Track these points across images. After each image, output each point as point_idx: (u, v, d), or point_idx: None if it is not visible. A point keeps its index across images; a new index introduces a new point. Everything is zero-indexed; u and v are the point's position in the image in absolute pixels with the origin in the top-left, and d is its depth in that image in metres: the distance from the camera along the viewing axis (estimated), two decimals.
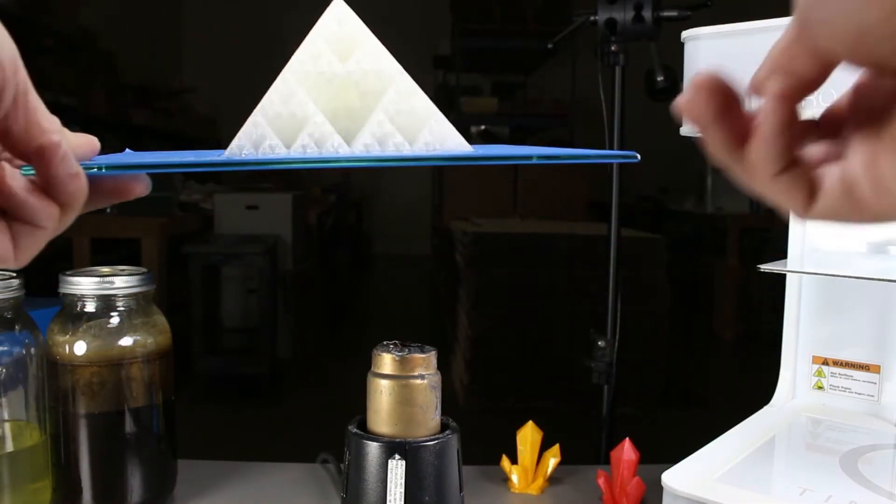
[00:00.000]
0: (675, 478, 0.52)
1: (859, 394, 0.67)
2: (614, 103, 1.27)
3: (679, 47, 0.58)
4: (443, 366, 0.50)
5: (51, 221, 0.28)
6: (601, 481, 0.62)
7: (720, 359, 3.61)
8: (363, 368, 0.50)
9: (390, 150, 0.32)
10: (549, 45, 1.41)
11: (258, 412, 2.64)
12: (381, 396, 0.48)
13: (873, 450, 0.59)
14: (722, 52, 0.56)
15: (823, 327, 0.70)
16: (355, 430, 0.49)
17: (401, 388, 0.48)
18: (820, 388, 0.70)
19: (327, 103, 0.33)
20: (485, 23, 4.24)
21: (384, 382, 0.48)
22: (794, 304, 0.71)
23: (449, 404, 0.50)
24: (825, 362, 0.69)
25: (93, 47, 4.04)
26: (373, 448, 0.47)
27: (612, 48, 1.24)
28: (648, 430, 2.28)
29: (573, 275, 2.56)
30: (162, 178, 2.99)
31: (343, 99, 0.33)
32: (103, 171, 0.29)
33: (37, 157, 0.27)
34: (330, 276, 4.10)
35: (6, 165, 0.27)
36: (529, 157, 0.32)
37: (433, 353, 0.49)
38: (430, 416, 0.48)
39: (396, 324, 4.00)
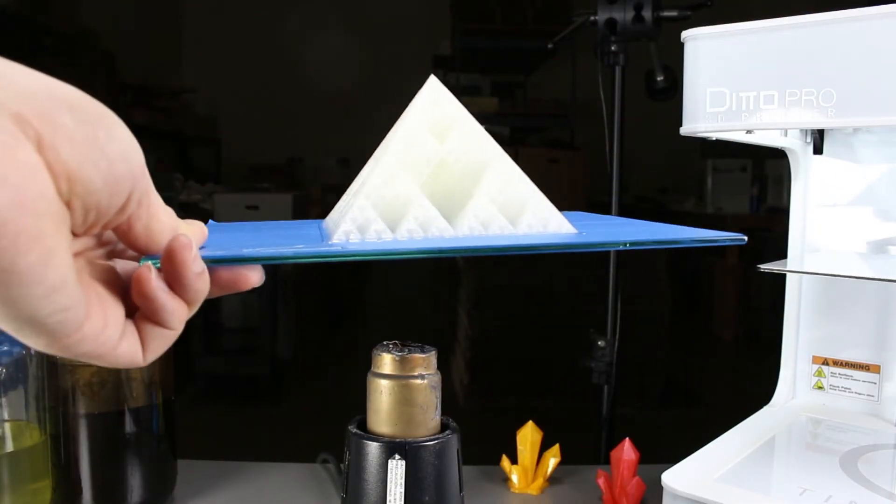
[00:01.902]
0: (675, 478, 0.52)
1: (859, 394, 0.67)
2: (614, 103, 1.27)
3: (679, 47, 0.58)
4: (443, 366, 0.50)
5: (181, 323, 0.28)
6: (601, 481, 0.62)
7: (720, 359, 3.61)
8: (363, 368, 0.50)
9: (494, 232, 0.32)
10: (549, 45, 1.41)
11: (258, 412, 2.64)
12: (381, 396, 0.48)
13: (873, 450, 0.59)
14: (722, 52, 0.56)
15: (823, 327, 0.70)
16: (355, 430, 0.49)
17: (401, 388, 0.48)
18: (820, 388, 0.70)
19: (426, 186, 0.33)
20: (485, 23, 4.24)
21: (384, 382, 0.48)
22: (794, 304, 0.71)
23: (449, 404, 0.50)
24: (825, 362, 0.69)
25: (93, 47, 4.04)
26: (373, 448, 0.47)
27: (612, 48, 1.24)
28: (648, 430, 2.27)
29: (573, 275, 2.56)
30: (162, 179, 2.99)
31: (442, 182, 0.33)
32: (225, 262, 0.29)
33: (168, 259, 0.27)
34: (330, 276, 4.10)
35: (151, 267, 0.27)
36: (624, 244, 0.31)
37: (433, 353, 0.49)
38: (430, 416, 0.48)
39: (396, 324, 4.00)
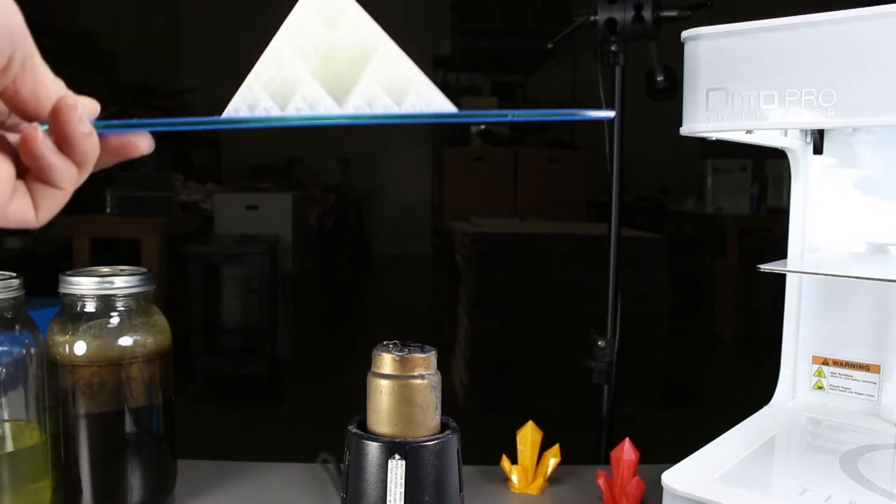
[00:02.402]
0: (675, 478, 0.52)
1: (859, 394, 0.67)
2: (614, 103, 1.27)
3: (679, 47, 0.58)
4: (443, 366, 0.50)
5: (70, 182, 0.29)
6: (601, 481, 0.62)
7: (720, 359, 3.61)
8: (363, 368, 0.50)
9: (379, 111, 0.34)
10: (549, 45, 1.41)
11: (258, 412, 2.64)
12: (381, 396, 0.48)
13: (873, 450, 0.59)
14: (722, 52, 0.56)
15: (823, 327, 0.70)
16: (355, 430, 0.49)
17: (401, 388, 0.48)
18: (820, 388, 0.70)
19: (317, 70, 0.34)
20: (485, 23, 4.24)
21: (384, 382, 0.48)
22: (794, 304, 0.71)
23: (449, 404, 0.50)
24: (825, 362, 0.69)
25: (93, 47, 4.04)
26: (373, 448, 0.47)
27: (612, 48, 1.24)
28: (648, 430, 2.28)
29: (573, 275, 2.56)
30: (162, 179, 2.99)
31: (331, 66, 0.35)
32: (114, 126, 0.30)
33: (54, 118, 0.28)
34: (330, 276, 4.10)
35: (38, 127, 0.28)
36: (505, 115, 0.34)
37: (433, 353, 0.49)
38: (430, 416, 0.48)
39: (396, 324, 4.00)
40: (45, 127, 0.28)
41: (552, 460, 0.66)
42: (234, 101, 0.33)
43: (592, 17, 1.22)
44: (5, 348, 0.56)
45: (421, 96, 0.34)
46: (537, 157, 3.99)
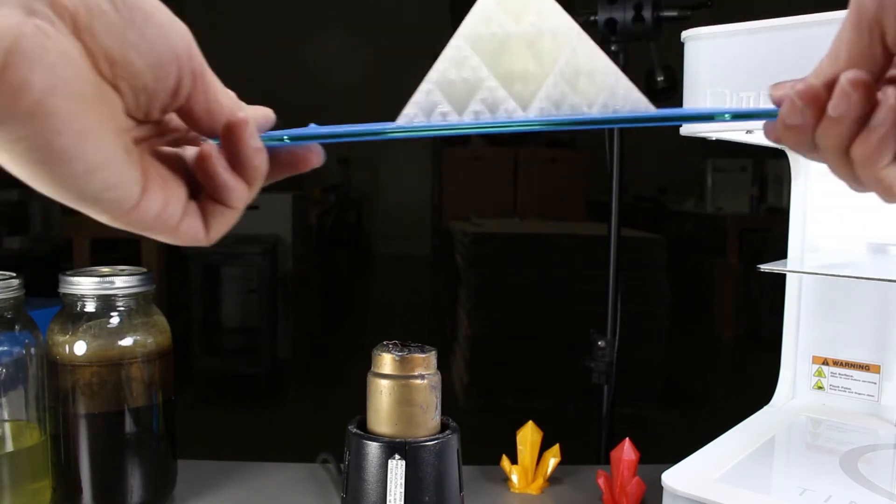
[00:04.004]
0: (675, 478, 0.52)
1: (859, 394, 0.67)
2: None
3: (679, 47, 0.58)
4: (443, 366, 0.50)
5: (242, 201, 0.29)
6: (601, 481, 0.62)
7: (720, 359, 3.61)
8: (363, 368, 0.50)
9: (565, 113, 0.31)
10: None
11: (258, 412, 2.64)
12: (381, 396, 0.48)
13: (873, 450, 0.59)
14: (722, 52, 0.56)
15: (823, 327, 0.70)
16: (355, 430, 0.49)
17: (401, 388, 0.48)
18: (820, 388, 0.70)
19: (501, 67, 0.32)
20: None
21: (384, 382, 0.48)
22: (794, 304, 0.71)
23: (449, 404, 0.50)
24: (825, 362, 0.69)
25: None
26: (373, 448, 0.47)
27: (612, 48, 1.24)
28: (648, 430, 2.28)
29: (573, 275, 2.56)
30: None
31: (518, 62, 0.32)
32: (286, 141, 0.29)
33: (226, 135, 0.27)
34: (330, 276, 4.10)
35: (213, 144, 0.28)
36: (712, 116, 0.31)
37: (433, 353, 0.49)
38: (430, 416, 0.48)
39: (396, 324, 4.00)
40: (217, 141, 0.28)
41: (552, 460, 0.66)
42: (409, 106, 0.31)
43: (592, 17, 1.22)
44: (5, 348, 0.56)
45: (617, 97, 0.31)
46: (537, 157, 3.99)
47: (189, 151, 0.30)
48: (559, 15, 0.32)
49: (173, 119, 0.29)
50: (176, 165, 0.28)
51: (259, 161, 0.28)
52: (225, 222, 0.29)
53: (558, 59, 0.31)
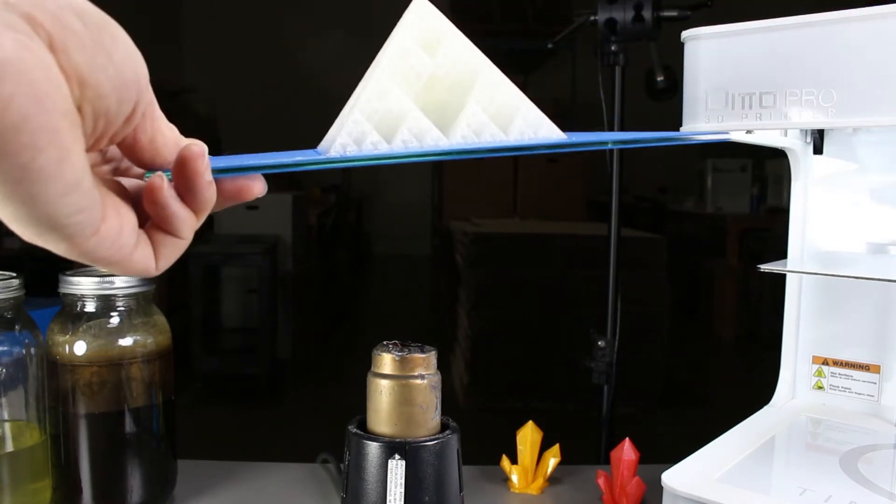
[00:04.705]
0: (675, 478, 0.52)
1: (859, 394, 0.67)
2: (614, 103, 1.27)
3: (679, 47, 0.58)
4: (443, 366, 0.50)
5: (190, 231, 0.29)
6: (601, 481, 0.62)
7: (720, 359, 3.61)
8: (363, 368, 0.50)
9: (486, 140, 0.33)
10: (549, 45, 1.41)
11: (258, 412, 2.64)
12: (381, 396, 0.48)
13: (873, 450, 0.59)
14: (722, 52, 0.56)
15: (823, 327, 0.70)
16: (355, 430, 0.49)
17: (401, 388, 0.48)
18: (820, 388, 0.70)
19: (419, 99, 0.34)
20: (485, 23, 4.24)
21: (384, 382, 0.48)
22: (794, 304, 0.71)
23: (449, 404, 0.50)
24: (825, 362, 0.69)
25: None
26: (373, 448, 0.47)
27: (612, 48, 1.24)
28: (648, 430, 2.28)
29: (573, 275, 2.56)
30: None
31: (433, 94, 0.34)
32: (230, 172, 0.30)
33: (180, 167, 0.27)
34: (330, 276, 4.10)
35: (163, 176, 0.27)
36: (607, 143, 0.34)
37: (433, 353, 0.49)
38: (430, 416, 0.48)
39: (396, 324, 4.00)
40: (166, 173, 0.28)
41: (552, 460, 0.66)
42: (339, 136, 0.32)
43: (592, 17, 1.22)
44: (5, 348, 0.56)
45: (528, 121, 0.34)
46: (537, 157, 3.99)
47: (126, 182, 0.30)
48: (469, 49, 0.34)
49: (111, 149, 0.29)
50: (121, 194, 0.28)
51: (210, 193, 0.28)
52: (175, 252, 0.29)
53: (471, 90, 0.34)
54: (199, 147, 0.27)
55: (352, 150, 0.32)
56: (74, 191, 0.23)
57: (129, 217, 0.27)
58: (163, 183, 0.27)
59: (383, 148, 0.32)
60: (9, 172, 0.22)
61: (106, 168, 0.30)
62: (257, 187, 0.31)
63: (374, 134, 0.32)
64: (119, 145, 0.28)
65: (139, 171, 0.29)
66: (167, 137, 0.28)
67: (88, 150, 0.25)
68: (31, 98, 0.21)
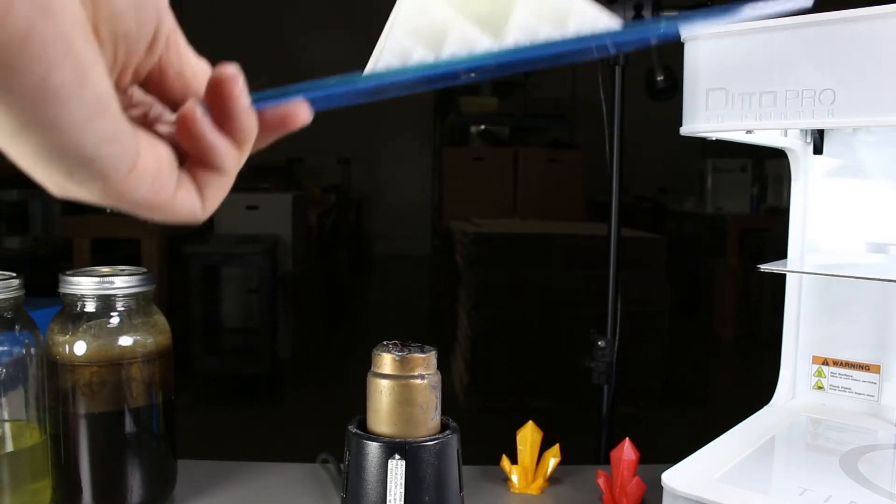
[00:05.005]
0: (675, 478, 0.52)
1: (859, 394, 0.67)
2: (614, 103, 1.27)
3: (679, 47, 0.58)
4: (443, 366, 0.50)
5: (234, 164, 0.26)
6: (601, 481, 0.62)
7: (720, 359, 3.61)
8: (363, 368, 0.50)
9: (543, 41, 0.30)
10: None
11: (258, 412, 2.64)
12: (381, 396, 0.48)
13: (873, 450, 0.59)
14: (722, 52, 0.56)
15: (823, 327, 0.70)
16: (355, 430, 0.49)
17: (401, 388, 0.48)
18: (820, 388, 0.70)
19: (463, 9, 0.31)
20: None
21: (384, 382, 0.48)
22: (794, 304, 0.71)
23: (449, 404, 0.50)
24: (825, 362, 0.69)
25: None
26: (373, 448, 0.47)
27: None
28: (648, 430, 2.28)
29: (573, 275, 2.56)
30: None
31: (475, 4, 0.31)
32: (272, 98, 0.27)
33: (213, 91, 0.25)
34: (330, 276, 4.10)
35: (196, 103, 0.25)
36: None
37: (433, 353, 0.49)
38: (430, 416, 0.48)
39: (396, 324, 4.00)
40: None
41: (552, 460, 0.66)
42: (381, 56, 0.29)
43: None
44: (5, 348, 0.56)
45: (585, 18, 0.30)
46: (537, 157, 3.99)
47: (161, 130, 0.27)
48: None
49: (135, 94, 0.27)
50: (153, 132, 0.26)
51: (250, 120, 0.26)
52: (220, 191, 0.26)
53: None
54: (231, 68, 0.25)
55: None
56: (101, 116, 0.21)
57: (166, 154, 0.25)
58: (196, 112, 0.24)
59: (433, 62, 0.29)
60: (25, 94, 0.20)
61: (135, 112, 0.27)
62: (302, 115, 0.27)
63: (419, 48, 0.30)
64: (146, 85, 0.26)
65: (172, 118, 0.27)
66: (197, 70, 0.26)
67: (115, 79, 0.23)
68: (34, 3, 0.19)
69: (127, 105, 0.26)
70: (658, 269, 2.62)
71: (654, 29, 0.30)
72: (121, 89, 0.25)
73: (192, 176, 0.26)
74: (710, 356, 3.61)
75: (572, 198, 3.87)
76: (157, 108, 0.27)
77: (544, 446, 0.67)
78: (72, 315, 0.57)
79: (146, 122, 0.26)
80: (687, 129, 0.59)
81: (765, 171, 4.03)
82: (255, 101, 0.26)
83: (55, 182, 0.23)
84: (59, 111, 0.20)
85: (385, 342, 0.50)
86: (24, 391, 0.57)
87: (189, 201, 0.25)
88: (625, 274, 1.29)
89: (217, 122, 0.25)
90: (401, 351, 0.48)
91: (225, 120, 0.25)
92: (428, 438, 0.48)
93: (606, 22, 0.31)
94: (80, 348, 0.56)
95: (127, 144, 0.22)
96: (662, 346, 2.61)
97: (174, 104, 0.26)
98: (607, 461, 0.67)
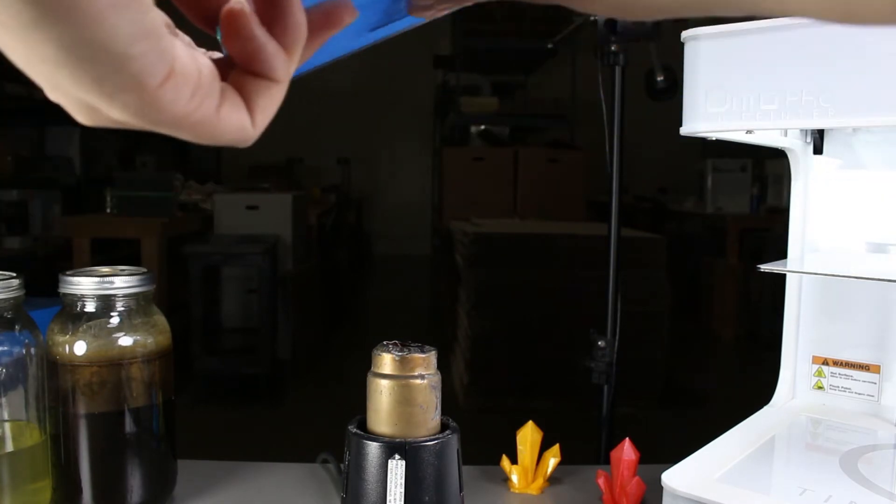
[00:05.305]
0: (675, 478, 0.52)
1: (859, 394, 0.67)
2: (614, 103, 1.27)
3: (679, 47, 0.58)
4: (443, 366, 0.50)
5: (284, 70, 0.23)
6: (601, 481, 0.62)
7: (720, 359, 3.61)
8: (363, 368, 0.50)
9: None
10: (550, 45, 1.41)
11: (258, 412, 2.64)
12: (381, 396, 0.48)
13: (873, 450, 0.59)
14: (722, 52, 0.56)
15: (823, 327, 0.70)
16: (355, 430, 0.49)
17: (401, 388, 0.48)
18: (820, 388, 0.70)
19: None
20: (485, 23, 4.24)
21: (384, 382, 0.48)
22: (794, 304, 0.71)
23: (449, 404, 0.50)
24: (825, 362, 0.69)
25: None
26: (373, 448, 0.47)
27: (612, 48, 1.24)
28: (648, 430, 2.28)
29: (573, 275, 2.56)
30: (162, 179, 2.99)
31: None
32: None
33: None
34: (330, 276, 4.10)
35: (241, 1, 0.22)
36: None
37: (433, 353, 0.49)
38: (430, 416, 0.48)
39: (396, 324, 4.00)
40: None
41: (552, 460, 0.66)
42: None
43: (592, 17, 1.22)
44: (5, 348, 0.56)
45: None
46: (537, 157, 3.99)
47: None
48: None
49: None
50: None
51: (300, 16, 0.23)
52: (271, 102, 0.24)
53: None
54: None
55: None
56: (128, 5, 0.18)
57: (205, 63, 0.22)
58: (244, 7, 0.22)
59: None
60: None
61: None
62: (347, 13, 0.25)
63: None
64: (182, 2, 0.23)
65: (201, 49, 0.24)
66: None
67: None
68: None
69: None
70: (658, 269, 2.62)
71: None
72: None
73: (239, 88, 0.23)
74: (710, 356, 3.61)
75: (572, 198, 3.87)
76: (185, 38, 0.24)
77: (544, 446, 0.67)
78: (72, 315, 0.57)
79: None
80: (687, 129, 0.59)
81: (765, 171, 4.03)
82: None
83: (82, 103, 0.20)
84: None
85: (385, 342, 0.50)
86: (24, 391, 0.57)
87: (236, 115, 0.23)
88: (625, 274, 1.29)
89: (266, 21, 0.22)
90: (401, 351, 0.48)
91: (275, 17, 0.23)
92: (428, 438, 0.48)
93: None
94: (80, 348, 0.56)
95: (162, 41, 0.20)
96: (662, 346, 2.61)
97: (210, 14, 0.23)
98: (607, 461, 0.67)
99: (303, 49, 0.24)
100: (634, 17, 0.25)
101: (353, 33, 0.28)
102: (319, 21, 0.24)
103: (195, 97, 0.21)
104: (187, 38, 0.24)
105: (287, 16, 0.23)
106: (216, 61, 0.23)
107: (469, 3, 0.28)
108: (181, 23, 0.24)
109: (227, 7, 0.22)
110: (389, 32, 0.29)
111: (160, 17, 0.20)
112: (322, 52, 0.26)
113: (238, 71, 0.23)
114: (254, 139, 0.24)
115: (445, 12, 0.28)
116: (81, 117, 0.21)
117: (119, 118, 0.21)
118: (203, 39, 0.25)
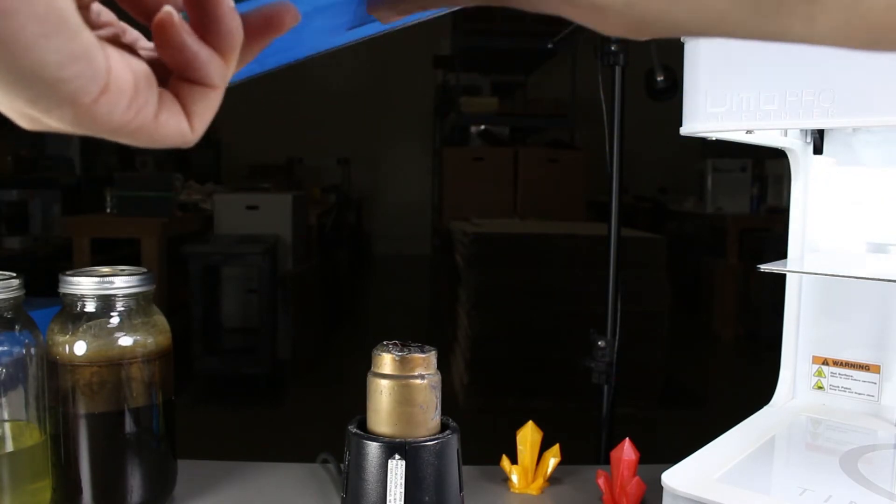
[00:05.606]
0: (675, 478, 0.52)
1: (859, 394, 0.67)
2: (614, 103, 1.27)
3: (679, 47, 0.58)
4: (443, 366, 0.50)
5: (220, 76, 0.23)
6: (601, 481, 0.62)
7: (720, 359, 3.61)
8: (363, 368, 0.50)
9: None
10: (550, 45, 1.41)
11: (258, 412, 2.64)
12: (381, 396, 0.48)
13: (873, 450, 0.59)
14: (722, 51, 0.56)
15: (823, 327, 0.70)
16: (355, 430, 0.49)
17: (401, 388, 0.48)
18: (820, 388, 0.70)
19: None
20: (485, 23, 4.24)
21: (384, 382, 0.48)
22: (794, 304, 0.71)
23: (449, 404, 0.50)
24: (825, 362, 0.69)
25: None
26: (373, 448, 0.47)
27: (612, 48, 1.24)
28: (648, 430, 2.28)
29: (573, 275, 2.56)
30: (162, 179, 2.99)
31: None
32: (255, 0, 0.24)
33: None
34: (330, 276, 4.10)
35: (171, 11, 0.22)
36: None
37: (433, 353, 0.49)
38: (430, 416, 0.48)
39: (396, 324, 4.00)
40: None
41: (552, 460, 0.66)
42: None
43: None
44: (5, 348, 0.56)
45: None
46: (537, 157, 3.99)
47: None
48: None
49: (102, 13, 0.24)
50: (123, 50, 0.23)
51: (234, 22, 0.23)
52: (208, 107, 0.24)
53: None
54: None
55: None
56: (57, 32, 0.19)
57: (142, 70, 0.22)
58: (173, 17, 0.22)
59: None
60: None
61: (103, 33, 0.24)
62: (288, 16, 0.24)
63: None
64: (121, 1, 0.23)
65: (148, 44, 0.24)
66: None
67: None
68: None
69: (95, 24, 0.24)
70: (658, 269, 2.62)
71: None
72: (83, 5, 0.22)
73: (176, 94, 0.23)
74: (710, 356, 3.61)
75: (572, 198, 3.88)
76: (133, 34, 0.25)
77: (544, 446, 0.67)
78: (72, 315, 0.57)
79: (119, 46, 0.24)
80: (687, 129, 0.59)
81: (765, 171, 4.03)
82: (238, 1, 0.24)
83: (22, 113, 0.21)
84: (6, 25, 0.18)
85: (385, 342, 0.50)
86: (24, 391, 0.57)
87: (174, 121, 0.23)
88: (625, 274, 1.29)
89: (199, 28, 0.23)
90: (401, 351, 0.48)
91: (207, 24, 0.23)
92: (428, 438, 0.48)
93: None
94: (80, 348, 0.56)
95: (94, 62, 0.20)
96: (662, 346, 2.61)
97: (150, 14, 0.23)
98: (607, 461, 0.67)
99: (243, 53, 0.24)
100: (652, 36, 0.25)
101: (328, 32, 0.28)
102: (259, 25, 0.24)
103: (131, 108, 0.21)
104: (135, 34, 0.24)
105: (220, 22, 0.22)
106: (158, 63, 0.23)
107: (432, 9, 0.28)
108: (129, 17, 0.24)
109: (157, 17, 0.22)
110: (370, 32, 0.29)
111: (90, 39, 0.20)
112: (296, 49, 0.26)
113: (176, 76, 0.23)
114: (194, 142, 0.24)
115: (405, 16, 0.28)
116: (24, 123, 0.22)
117: (58, 127, 0.21)
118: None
